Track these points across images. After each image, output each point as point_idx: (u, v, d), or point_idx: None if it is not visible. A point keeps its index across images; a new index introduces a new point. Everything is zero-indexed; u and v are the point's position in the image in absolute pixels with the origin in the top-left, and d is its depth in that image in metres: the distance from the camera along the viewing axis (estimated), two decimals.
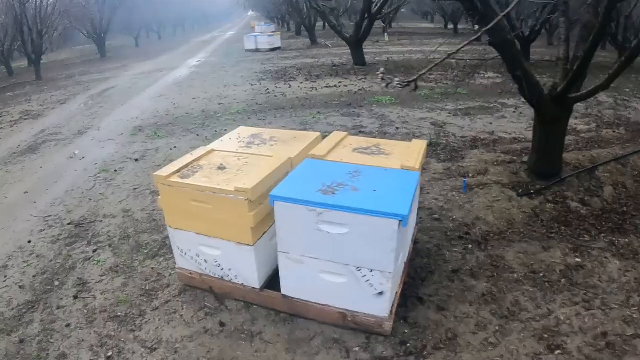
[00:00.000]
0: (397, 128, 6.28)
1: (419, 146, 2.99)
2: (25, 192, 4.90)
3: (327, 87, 9.20)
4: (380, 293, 2.38)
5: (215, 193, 2.60)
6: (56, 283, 3.27)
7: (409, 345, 2.48)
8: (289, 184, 2.52)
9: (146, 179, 4.99)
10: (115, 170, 5.28)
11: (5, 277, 3.39)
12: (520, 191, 4.07)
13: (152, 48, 21.69)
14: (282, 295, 2.70)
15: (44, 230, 4.04)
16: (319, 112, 7.29)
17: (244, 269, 2.78)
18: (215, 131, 6.52)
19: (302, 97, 8.44)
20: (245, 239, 2.66)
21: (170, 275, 3.28)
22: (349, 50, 11.81)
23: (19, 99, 10.05)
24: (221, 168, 2.88)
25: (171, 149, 5.89)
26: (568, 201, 3.89)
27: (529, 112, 6.60)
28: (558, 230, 3.52)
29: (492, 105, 7.29)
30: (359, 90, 8.80)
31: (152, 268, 3.39)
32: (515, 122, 6.32)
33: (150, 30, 28.06)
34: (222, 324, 2.75)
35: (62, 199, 4.66)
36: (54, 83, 12.16)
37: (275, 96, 8.54)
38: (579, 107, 6.35)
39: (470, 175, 4.52)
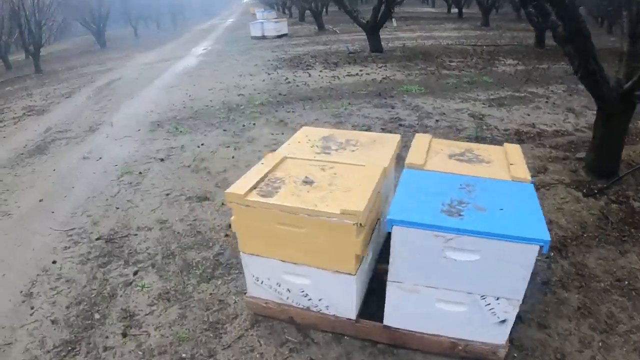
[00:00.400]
0: (437, 121, 5.89)
1: (516, 152, 2.63)
2: (40, 200, 4.29)
3: (349, 75, 8.63)
4: (503, 321, 2.14)
5: (311, 215, 2.17)
6: (96, 316, 2.70)
7: None
8: (404, 204, 2.11)
9: (178, 182, 4.40)
10: (140, 173, 4.68)
11: (32, 308, 2.82)
12: (584, 191, 3.91)
13: (152, 37, 20.86)
14: (384, 325, 2.37)
15: (68, 247, 3.45)
16: (349, 103, 6.73)
17: (339, 299, 2.40)
18: (243, 125, 5.92)
19: (325, 86, 7.85)
20: (347, 267, 2.27)
21: (235, 302, 2.75)
22: (359, 37, 11.27)
23: (20, 93, 9.33)
24: (308, 182, 2.40)
25: (198, 147, 5.29)
26: (631, 201, 3.73)
27: (561, 102, 6.41)
28: (629, 233, 3.32)
29: (522, 94, 7.00)
30: (383, 79, 8.26)
31: (211, 294, 2.84)
32: (551, 113, 6.06)
33: (149, 19, 27.11)
34: None
35: (84, 207, 4.06)
36: (55, 76, 11.42)
37: (297, 86, 7.94)
38: None
39: (531, 174, 4.04)
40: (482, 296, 2.10)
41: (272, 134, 5.62)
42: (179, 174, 4.60)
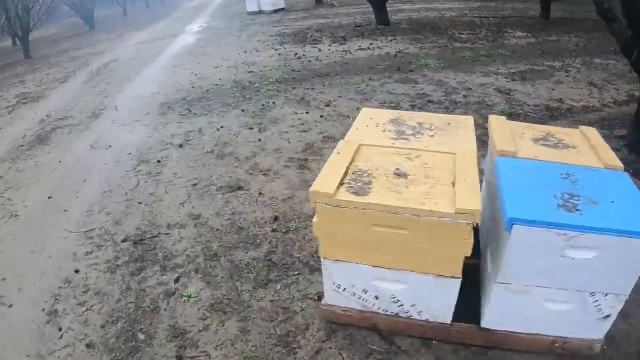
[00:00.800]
0: (465, 96, 5.48)
1: (596, 136, 2.37)
2: (49, 198, 3.75)
3: (360, 49, 8.06)
4: (607, 317, 2.02)
5: (420, 216, 1.82)
6: (141, 336, 2.23)
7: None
8: (520, 200, 1.85)
9: (203, 171, 3.89)
10: (159, 161, 4.15)
11: (61, 330, 2.33)
12: (631, 170, 3.68)
13: (142, 16, 19.85)
14: (480, 328, 2.16)
15: (91, 252, 2.94)
16: (370, 79, 6.21)
17: (437, 304, 2.12)
18: (263, 105, 5.38)
19: (339, 61, 7.30)
20: (453, 270, 1.97)
21: (302, 310, 2.32)
22: (359, 9, 10.69)
23: (11, 80, 8.59)
24: (401, 175, 1.99)
25: (218, 130, 4.76)
26: None
27: (581, 76, 6.15)
28: None
29: (542, 68, 6.61)
30: (397, 52, 7.73)
31: (272, 301, 2.39)
32: (575, 87, 5.76)
33: None
34: None
35: (101, 204, 3.53)
36: (46, 60, 10.61)
37: (310, 61, 7.37)
38: None
39: None
40: (591, 293, 1.94)
41: (297, 114, 5.09)
42: (203, 161, 4.08)
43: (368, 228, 1.88)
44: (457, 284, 2.01)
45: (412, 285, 2.05)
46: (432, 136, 2.37)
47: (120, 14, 21.41)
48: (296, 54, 7.90)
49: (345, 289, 2.12)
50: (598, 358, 2.16)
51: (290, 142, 4.43)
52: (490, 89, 5.70)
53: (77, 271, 2.75)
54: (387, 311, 2.18)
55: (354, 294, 2.13)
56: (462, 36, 8.99)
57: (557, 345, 2.13)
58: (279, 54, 7.94)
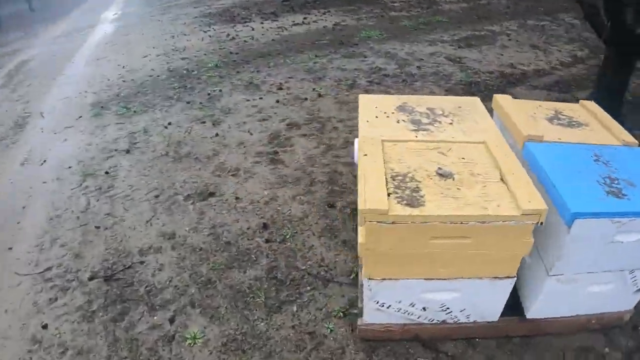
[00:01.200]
0: (419, 67, 5.32)
1: (598, 109, 2.33)
2: None
3: (295, 25, 7.59)
4: (639, 289, 2.01)
5: (485, 222, 1.61)
6: None
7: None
8: (573, 192, 1.73)
9: (162, 178, 3.38)
10: (107, 173, 3.55)
11: None
12: None
13: (51, 9, 17.60)
14: (524, 319, 2.08)
15: (55, 298, 2.41)
16: (316, 56, 5.84)
17: (487, 305, 1.98)
18: (208, 94, 4.84)
19: (278, 39, 6.81)
20: (510, 270, 1.83)
21: (330, 331, 2.03)
22: None
23: None
24: (445, 175, 1.75)
25: (166, 127, 4.19)
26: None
27: (521, 39, 6.25)
28: None
29: (483, 33, 6.62)
30: (335, 25, 7.38)
31: (293, 327, 2.08)
32: (520, 51, 5.81)
33: None
34: None
35: (52, 234, 2.93)
36: None
37: (245, 42, 6.80)
38: None
39: None
40: (631, 271, 1.93)
41: (249, 100, 4.63)
42: (159, 167, 3.55)
43: (425, 241, 1.62)
44: (511, 283, 1.85)
45: (465, 291, 1.85)
46: (451, 123, 2.12)
47: (26, 9, 18.82)
48: (228, 34, 7.27)
49: (389, 306, 1.86)
50: (625, 326, 2.18)
51: (252, 134, 3.99)
52: (441, 58, 5.57)
53: (44, 326, 2.22)
54: (432, 320, 1.97)
55: (399, 309, 1.89)
56: (395, 4, 8.80)
57: (593, 322, 2.12)
58: (210, 36, 7.27)
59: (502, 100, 2.32)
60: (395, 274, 1.75)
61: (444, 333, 2.03)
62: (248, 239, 2.69)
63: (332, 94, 4.74)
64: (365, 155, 1.80)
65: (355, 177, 3.38)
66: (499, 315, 1.99)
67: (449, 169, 1.77)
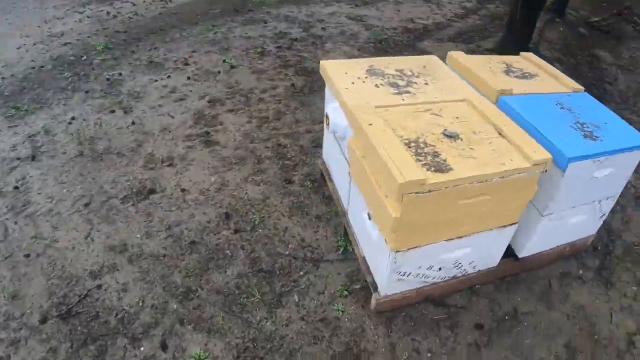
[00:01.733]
0: (323, 29, 5.08)
1: (539, 60, 2.41)
2: None
3: None
4: (603, 215, 2.18)
5: (504, 177, 1.59)
6: None
7: (599, 248, 2.38)
8: (561, 138, 1.79)
9: (87, 182, 2.78)
10: (16, 187, 2.80)
11: None
12: None
13: None
14: (517, 259, 2.13)
15: (8, 356, 1.83)
16: (214, 26, 5.26)
17: (492, 253, 1.99)
18: (107, 79, 4.08)
19: (165, 12, 5.98)
20: (514, 218, 1.85)
21: (342, 312, 1.90)
22: None
23: None
24: (452, 136, 1.67)
25: (70, 123, 3.43)
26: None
27: None
28: None
29: None
30: None
31: (302, 318, 1.89)
32: (415, 6, 5.80)
33: None
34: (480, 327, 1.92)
35: None
36: None
37: (130, 18, 5.87)
38: None
39: None
40: (599, 201, 2.04)
41: (156, 80, 4.01)
42: (78, 170, 2.91)
43: (455, 204, 1.54)
44: (514, 229, 1.86)
45: (476, 244, 1.82)
46: (426, 84, 2.03)
47: None
48: (108, 12, 6.21)
49: (410, 274, 1.76)
50: (589, 248, 2.36)
51: (173, 117, 3.46)
52: (342, 18, 5.37)
53: None
54: (444, 278, 1.93)
55: (417, 275, 1.80)
56: None
57: (567, 249, 2.25)
58: (87, 17, 6.13)
59: (457, 56, 2.29)
60: (421, 242, 1.65)
61: (452, 288, 2.01)
62: (214, 234, 2.32)
63: (244, 64, 4.29)
64: (371, 125, 1.55)
65: (301, 146, 3.10)
66: (499, 259, 2.01)
67: (453, 129, 1.68)
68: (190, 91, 3.82)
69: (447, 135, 1.63)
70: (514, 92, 1.99)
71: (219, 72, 4.14)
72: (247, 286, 1.99)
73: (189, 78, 4.03)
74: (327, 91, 2.15)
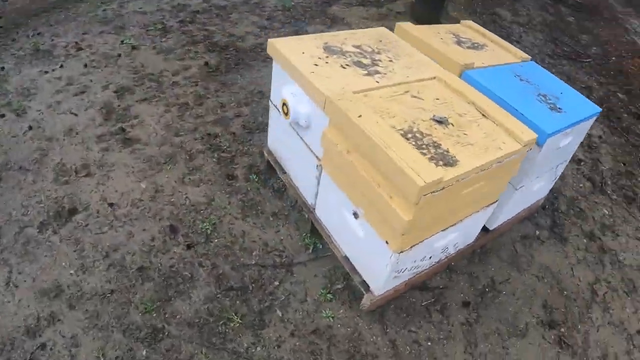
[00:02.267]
0: None
1: (481, 28, 2.34)
2: None
3: None
4: (556, 177, 2.23)
5: (501, 162, 1.51)
6: None
7: (547, 207, 2.44)
8: (534, 114, 1.72)
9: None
10: None
11: None
12: None
13: None
14: (488, 230, 2.08)
15: None
16: (102, 3, 4.40)
17: (473, 231, 1.94)
18: None
19: None
20: (496, 196, 1.80)
21: (332, 318, 1.69)
22: None
23: None
24: (441, 121, 1.54)
25: None
26: None
27: None
28: None
29: None
30: None
31: (293, 334, 1.67)
32: None
33: None
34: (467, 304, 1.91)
35: None
36: None
37: (4, 1, 4.67)
38: None
39: None
40: (556, 166, 2.06)
41: (47, 72, 3.25)
42: None
43: (459, 194, 1.43)
44: (494, 206, 1.81)
45: (464, 227, 1.73)
46: (391, 61, 1.84)
47: None
48: None
49: (406, 269, 1.62)
50: (539, 209, 2.43)
51: (77, 115, 2.84)
52: None
53: None
54: (432, 264, 1.84)
55: (412, 267, 1.68)
56: None
57: (523, 214, 2.30)
58: None
59: (407, 28, 2.10)
60: (423, 237, 1.52)
61: (435, 271, 1.93)
62: (163, 254, 1.95)
63: (147, 44, 3.66)
64: (360, 116, 1.34)
65: (234, 134, 2.73)
66: (477, 235, 1.97)
67: (439, 113, 1.54)
68: (91, 81, 3.16)
69: (437, 121, 1.49)
70: (477, 66, 1.89)
71: (119, 55, 3.47)
72: (221, 310, 1.71)
73: (85, 65, 3.31)
74: (279, 72, 1.82)
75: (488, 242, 2.16)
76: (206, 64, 3.40)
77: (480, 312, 1.89)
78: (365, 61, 1.75)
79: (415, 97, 1.59)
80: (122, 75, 3.22)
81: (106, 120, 2.79)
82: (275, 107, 1.97)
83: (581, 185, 2.83)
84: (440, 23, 3.93)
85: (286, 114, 1.74)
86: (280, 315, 1.69)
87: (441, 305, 1.87)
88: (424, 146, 1.39)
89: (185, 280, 1.83)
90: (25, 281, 1.85)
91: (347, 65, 1.69)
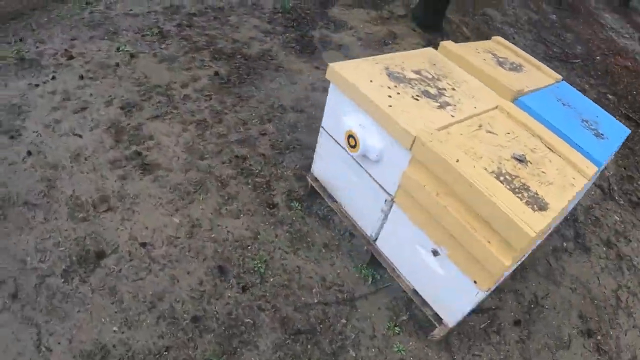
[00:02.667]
0: None
1: (512, 46, 2.30)
2: None
3: None
4: None
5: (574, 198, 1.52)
6: None
7: (568, 217, 2.41)
8: (587, 142, 1.70)
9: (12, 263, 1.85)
10: None
11: None
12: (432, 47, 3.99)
13: None
14: None
15: None
16: (87, 3, 3.94)
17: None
18: None
19: None
20: None
21: (402, 352, 1.51)
22: None
23: None
24: (521, 159, 1.51)
25: None
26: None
27: None
28: None
29: None
30: None
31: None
32: None
33: None
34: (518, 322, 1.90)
35: None
36: None
37: None
38: None
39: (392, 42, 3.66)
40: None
41: (37, 85, 2.85)
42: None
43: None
44: None
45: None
46: (453, 89, 1.78)
47: None
48: None
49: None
50: None
51: (81, 136, 2.51)
52: None
53: None
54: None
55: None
56: None
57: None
58: None
59: (451, 47, 2.01)
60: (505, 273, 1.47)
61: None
62: (217, 299, 1.74)
63: (146, 51, 3.30)
64: (458, 161, 1.26)
65: (264, 155, 2.48)
66: None
67: (519, 151, 1.53)
68: (91, 95, 2.80)
69: (517, 159, 1.48)
70: (525, 92, 1.86)
71: (117, 64, 3.11)
72: (293, 357, 1.53)
73: (81, 77, 2.94)
74: (341, 100, 1.63)
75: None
76: (216, 74, 3.10)
77: (530, 328, 1.92)
78: (432, 91, 1.68)
79: (490, 132, 1.57)
80: (124, 87, 2.88)
81: (117, 142, 2.47)
82: (330, 135, 1.77)
83: (592, 192, 2.83)
84: (441, 26, 3.81)
85: (353, 146, 1.55)
86: (354, 355, 1.56)
87: (497, 326, 1.84)
88: (516, 190, 1.36)
89: (248, 328, 1.63)
90: (59, 343, 1.58)
91: (417, 97, 1.61)
